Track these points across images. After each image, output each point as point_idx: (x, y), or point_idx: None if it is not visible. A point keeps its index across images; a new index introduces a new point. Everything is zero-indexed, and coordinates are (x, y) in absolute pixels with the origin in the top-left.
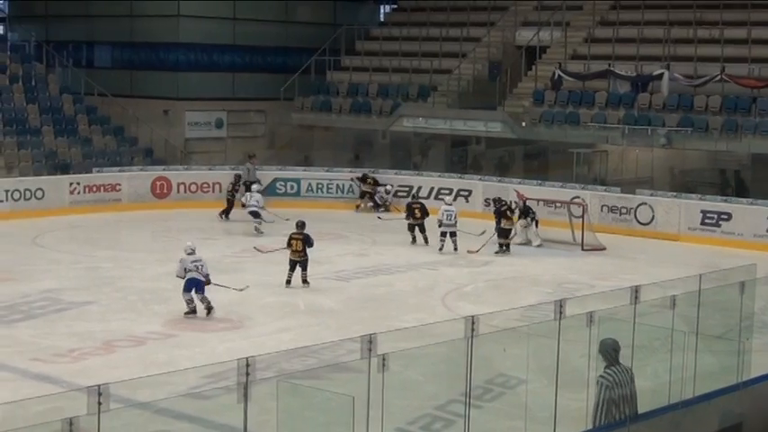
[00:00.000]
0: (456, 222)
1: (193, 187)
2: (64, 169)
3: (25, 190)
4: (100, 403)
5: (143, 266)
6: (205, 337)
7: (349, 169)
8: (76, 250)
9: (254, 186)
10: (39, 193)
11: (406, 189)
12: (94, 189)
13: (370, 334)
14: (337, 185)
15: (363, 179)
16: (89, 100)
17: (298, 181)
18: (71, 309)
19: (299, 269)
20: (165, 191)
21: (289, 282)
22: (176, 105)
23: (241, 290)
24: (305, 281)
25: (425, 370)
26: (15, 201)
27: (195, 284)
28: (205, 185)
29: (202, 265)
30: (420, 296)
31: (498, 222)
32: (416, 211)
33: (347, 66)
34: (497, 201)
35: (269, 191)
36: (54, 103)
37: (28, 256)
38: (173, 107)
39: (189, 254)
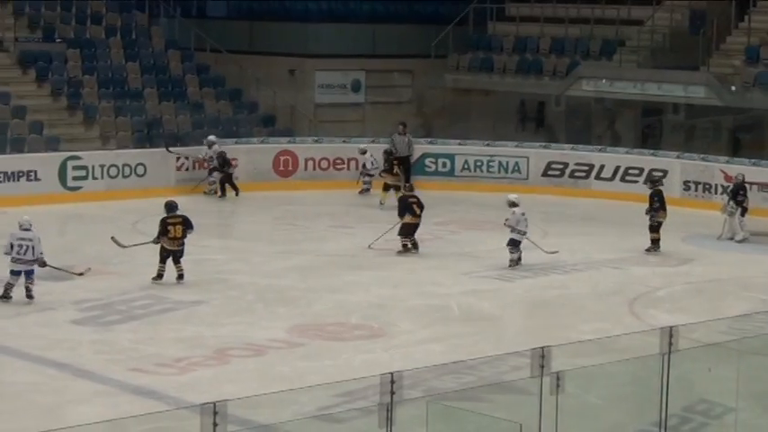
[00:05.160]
0: None
1: (324, 164)
2: (170, 140)
3: (123, 165)
4: (216, 424)
5: (263, 260)
6: (338, 346)
7: (515, 143)
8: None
9: (362, 147)
10: (139, 170)
11: (585, 168)
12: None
13: (542, 347)
14: (500, 163)
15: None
16: (200, 57)
17: (451, 157)
18: (177, 309)
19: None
20: (291, 168)
21: (161, 276)
22: (305, 64)
23: (81, 274)
24: (181, 276)
25: (608, 393)
26: (112, 178)
27: (17, 272)
28: (338, 162)
29: (31, 247)
30: (602, 301)
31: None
32: (414, 206)
33: (513, 15)
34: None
35: (417, 168)
36: (158, 60)
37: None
38: (300, 66)
39: (25, 229)
